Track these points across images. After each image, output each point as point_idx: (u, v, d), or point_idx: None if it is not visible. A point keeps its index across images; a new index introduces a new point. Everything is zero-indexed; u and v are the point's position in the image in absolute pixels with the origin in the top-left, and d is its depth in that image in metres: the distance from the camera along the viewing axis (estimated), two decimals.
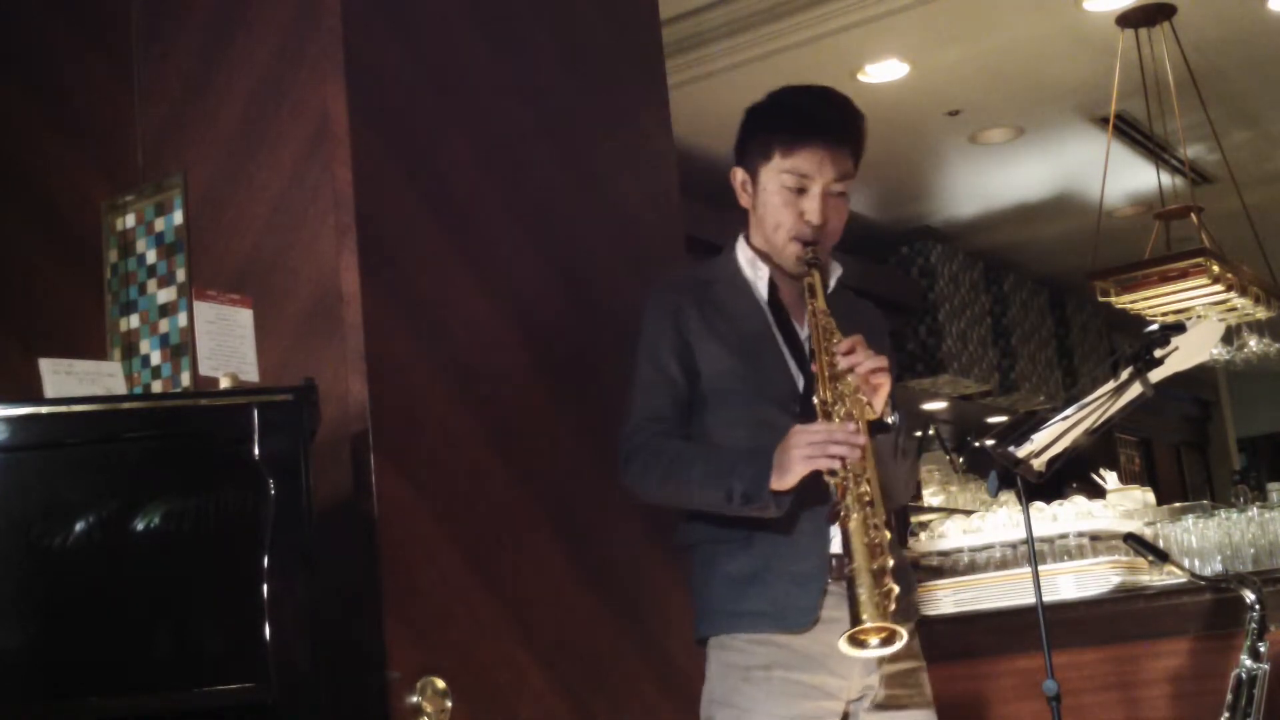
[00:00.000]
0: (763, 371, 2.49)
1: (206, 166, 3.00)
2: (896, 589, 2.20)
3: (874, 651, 2.21)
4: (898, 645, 2.21)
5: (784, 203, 2.50)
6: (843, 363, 2.34)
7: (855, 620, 2.18)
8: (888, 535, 2.24)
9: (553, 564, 2.94)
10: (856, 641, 2.19)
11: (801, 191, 2.49)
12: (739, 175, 2.59)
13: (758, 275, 2.56)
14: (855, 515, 2.23)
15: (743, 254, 2.60)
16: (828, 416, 2.32)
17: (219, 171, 2.98)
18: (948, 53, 5.98)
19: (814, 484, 2.36)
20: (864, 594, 2.18)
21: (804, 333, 2.54)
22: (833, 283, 2.55)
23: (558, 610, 2.92)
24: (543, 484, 2.95)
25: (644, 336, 2.55)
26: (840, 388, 2.34)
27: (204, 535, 2.24)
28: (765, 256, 2.56)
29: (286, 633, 2.23)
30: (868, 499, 2.25)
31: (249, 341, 2.71)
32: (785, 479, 2.31)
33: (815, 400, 2.35)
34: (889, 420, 2.41)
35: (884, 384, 2.35)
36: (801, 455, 2.28)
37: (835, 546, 2.40)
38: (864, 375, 2.33)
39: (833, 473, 2.27)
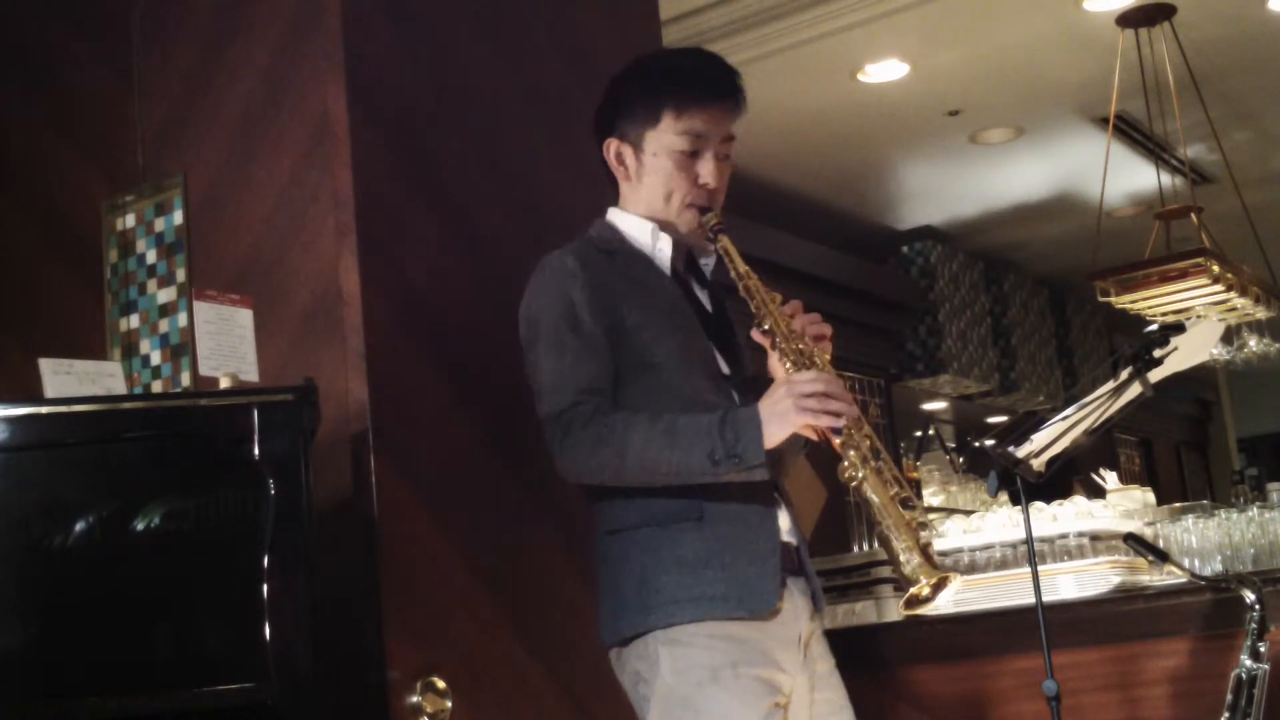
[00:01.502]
0: (688, 343, 2.38)
1: (206, 166, 3.00)
2: (932, 537, 2.18)
3: (930, 605, 2.15)
4: (954, 587, 2.15)
5: (677, 166, 2.39)
6: (796, 322, 2.29)
7: (910, 582, 2.12)
8: (905, 483, 2.19)
9: (552, 564, 2.94)
10: (913, 602, 2.14)
11: (694, 155, 2.40)
12: (614, 146, 2.46)
13: (658, 246, 2.43)
14: (866, 472, 2.16)
15: (631, 225, 2.45)
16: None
17: (219, 171, 2.98)
18: (948, 53, 5.98)
19: (769, 459, 2.25)
20: (909, 555, 2.12)
21: (706, 304, 2.49)
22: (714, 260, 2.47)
23: (558, 610, 2.92)
24: (542, 483, 2.95)
25: (552, 302, 2.34)
26: (800, 346, 2.28)
27: (204, 535, 2.24)
28: (663, 225, 2.44)
29: (286, 633, 2.23)
30: (875, 450, 2.18)
31: (249, 341, 2.70)
32: (781, 431, 2.20)
33: (784, 360, 2.27)
34: None
35: (828, 342, 2.31)
36: (799, 407, 2.17)
37: (785, 535, 2.34)
38: (814, 336, 2.29)
39: (836, 431, 2.18)
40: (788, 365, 2.28)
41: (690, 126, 2.38)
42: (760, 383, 2.41)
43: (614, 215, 2.49)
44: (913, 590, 2.13)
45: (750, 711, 2.23)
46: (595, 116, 2.51)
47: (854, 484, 2.18)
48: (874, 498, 2.16)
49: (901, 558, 2.13)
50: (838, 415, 2.18)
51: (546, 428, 2.31)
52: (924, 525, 2.18)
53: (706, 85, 2.41)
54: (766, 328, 2.31)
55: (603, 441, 2.24)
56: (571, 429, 2.26)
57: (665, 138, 2.40)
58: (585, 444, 2.25)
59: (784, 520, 2.37)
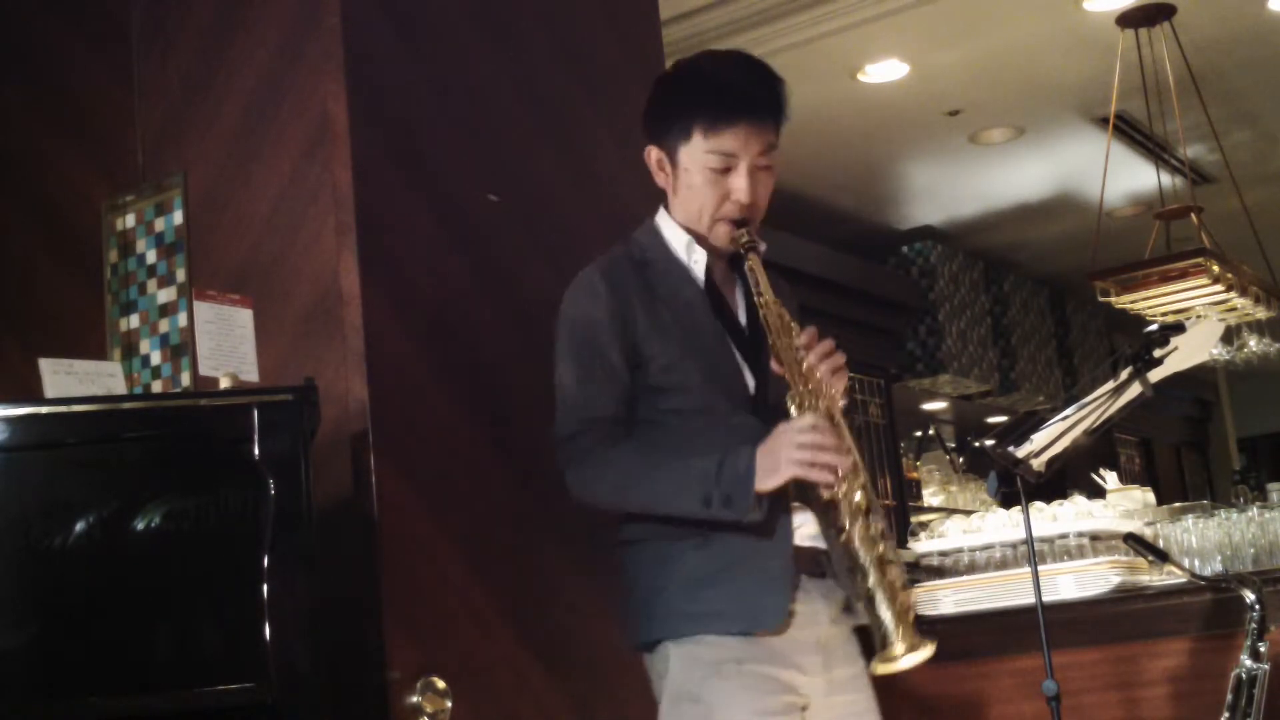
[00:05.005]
0: (711, 363, 2.35)
1: (206, 166, 3.00)
2: (913, 600, 2.17)
3: (903, 664, 2.14)
4: (925, 654, 2.14)
5: (708, 183, 2.34)
6: (810, 358, 2.25)
7: (884, 644, 2.12)
8: (892, 543, 2.18)
9: (552, 563, 2.94)
10: (886, 661, 2.14)
11: (727, 170, 2.33)
12: (654, 154, 2.41)
13: (693, 259, 2.40)
14: (856, 528, 2.16)
15: (672, 233, 2.42)
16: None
17: (219, 171, 2.98)
18: (948, 53, 5.98)
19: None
20: (888, 617, 2.12)
21: (742, 318, 2.43)
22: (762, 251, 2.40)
23: (558, 610, 2.92)
24: (542, 484, 2.94)
25: (576, 321, 2.36)
26: (810, 385, 2.25)
27: (204, 535, 2.24)
28: (700, 238, 2.40)
29: (286, 633, 2.23)
30: (864, 508, 2.17)
31: (249, 341, 2.70)
32: (771, 481, 2.19)
33: (790, 402, 2.25)
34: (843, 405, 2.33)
35: (844, 372, 2.28)
36: (792, 459, 2.17)
37: (799, 539, 2.32)
38: (832, 369, 2.25)
39: (829, 486, 2.18)
40: (792, 408, 2.25)
41: (720, 145, 2.33)
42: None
43: (660, 219, 2.45)
44: (886, 652, 2.13)
45: (752, 702, 2.24)
46: (642, 118, 2.46)
47: (842, 537, 2.18)
48: (860, 555, 2.15)
49: (887, 622, 2.12)
50: (829, 467, 2.16)
51: (556, 447, 2.36)
52: (900, 587, 2.16)
53: (737, 101, 2.34)
54: (776, 369, 2.29)
55: (601, 478, 2.29)
56: (573, 460, 2.31)
57: (696, 155, 2.35)
58: (586, 475, 2.31)
59: (807, 525, 2.34)
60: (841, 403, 2.30)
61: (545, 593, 2.91)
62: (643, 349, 2.33)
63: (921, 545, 3.58)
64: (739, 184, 2.34)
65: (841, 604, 2.36)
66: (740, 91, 2.35)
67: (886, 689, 2.96)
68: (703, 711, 2.25)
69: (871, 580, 2.14)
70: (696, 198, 2.37)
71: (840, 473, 2.17)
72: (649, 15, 3.64)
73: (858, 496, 2.17)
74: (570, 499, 2.36)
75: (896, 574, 2.16)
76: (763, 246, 2.39)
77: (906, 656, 2.14)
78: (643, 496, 2.28)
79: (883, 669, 2.15)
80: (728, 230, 2.37)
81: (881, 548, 2.16)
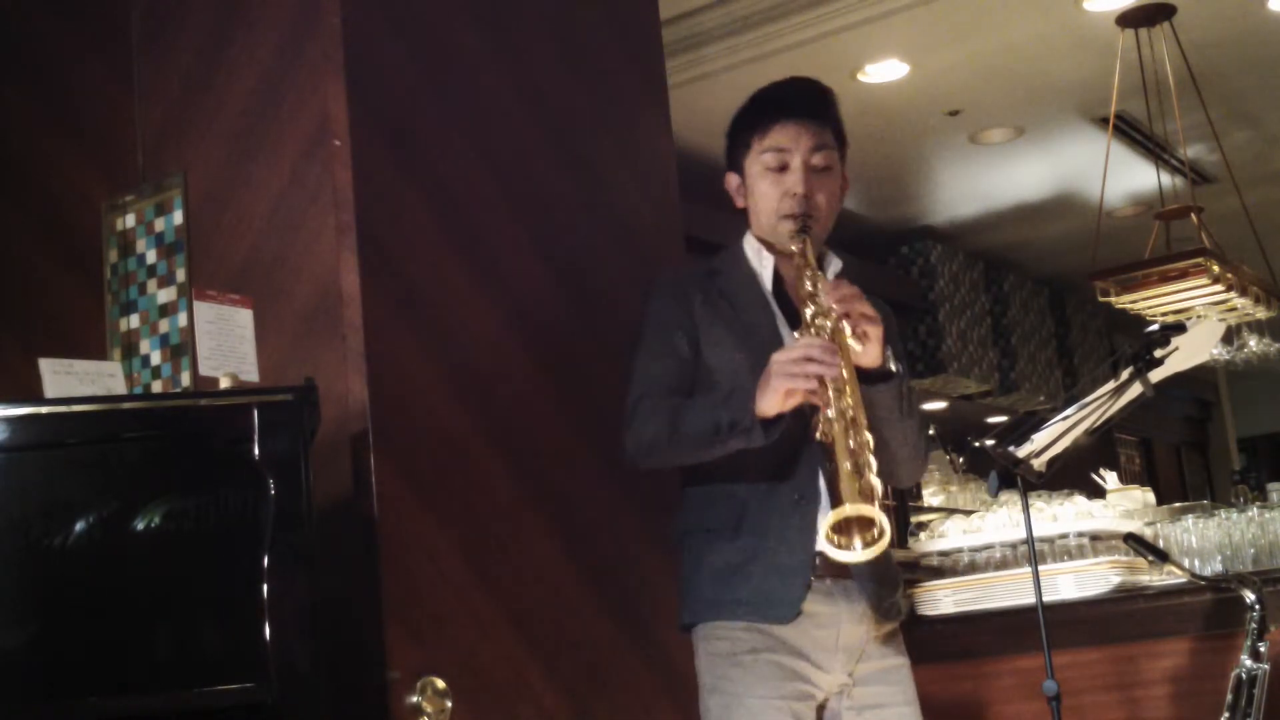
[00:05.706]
0: (764, 355, 2.43)
1: (206, 166, 3.00)
2: (879, 485, 2.16)
3: (860, 554, 2.14)
4: (882, 545, 2.13)
5: (770, 184, 2.55)
6: (827, 299, 2.34)
7: (835, 504, 2.15)
8: (869, 439, 2.20)
9: (553, 563, 2.94)
10: (839, 545, 2.14)
11: (783, 169, 2.54)
12: (733, 180, 2.64)
13: (762, 265, 2.60)
14: (836, 426, 2.21)
15: (749, 245, 2.63)
16: None
17: (219, 171, 2.98)
18: (948, 53, 5.98)
19: (810, 477, 2.39)
20: (844, 484, 2.15)
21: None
22: (831, 274, 2.54)
23: (557, 610, 2.92)
24: (542, 483, 2.95)
25: (650, 317, 2.58)
26: (818, 321, 2.34)
27: (204, 535, 2.24)
28: (770, 246, 2.60)
29: (286, 633, 2.23)
30: (850, 415, 2.22)
31: (249, 341, 2.70)
32: (766, 400, 2.29)
33: (795, 336, 2.38)
34: (891, 368, 2.40)
35: (871, 322, 2.33)
36: (779, 373, 2.28)
37: (821, 544, 2.33)
38: (851, 310, 2.31)
39: (813, 393, 2.25)
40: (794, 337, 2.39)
41: (772, 143, 2.55)
42: None
43: (744, 238, 2.66)
44: (834, 511, 2.13)
45: (766, 689, 2.39)
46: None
47: (824, 439, 2.23)
48: (836, 447, 2.20)
49: (843, 487, 2.15)
50: (814, 378, 2.25)
51: (623, 413, 2.52)
52: (868, 467, 2.18)
53: (780, 102, 2.58)
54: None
55: (647, 425, 2.45)
56: (631, 423, 2.48)
57: (756, 159, 2.57)
58: (637, 426, 2.46)
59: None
60: (889, 363, 2.39)
61: (545, 593, 2.91)
62: (701, 338, 2.53)
63: (921, 545, 3.58)
64: (793, 178, 2.53)
65: (871, 609, 2.44)
66: (781, 94, 2.60)
67: None
68: (724, 700, 2.42)
69: (838, 463, 2.18)
70: (761, 201, 2.57)
71: (827, 380, 2.24)
72: (649, 15, 3.64)
73: (846, 403, 2.23)
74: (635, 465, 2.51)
75: (867, 460, 2.18)
76: (835, 264, 2.58)
77: (860, 548, 2.13)
78: (676, 435, 2.42)
79: (834, 553, 2.15)
80: (789, 228, 2.52)
81: (855, 443, 2.20)
